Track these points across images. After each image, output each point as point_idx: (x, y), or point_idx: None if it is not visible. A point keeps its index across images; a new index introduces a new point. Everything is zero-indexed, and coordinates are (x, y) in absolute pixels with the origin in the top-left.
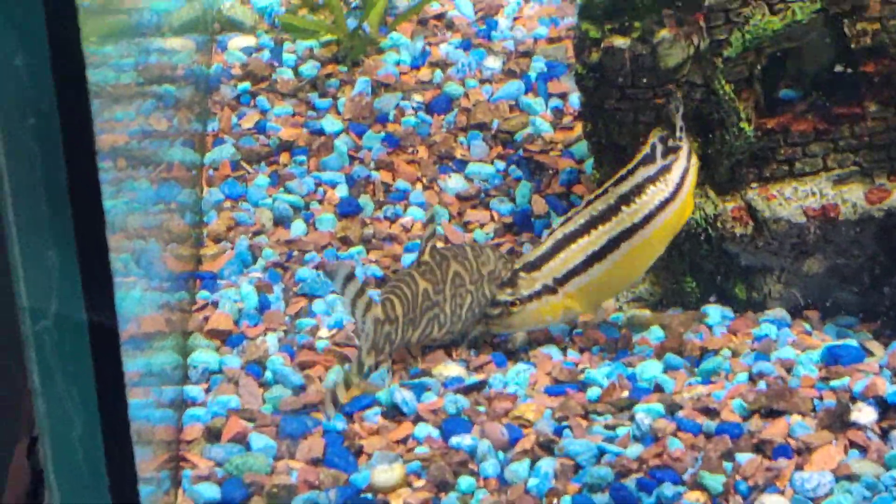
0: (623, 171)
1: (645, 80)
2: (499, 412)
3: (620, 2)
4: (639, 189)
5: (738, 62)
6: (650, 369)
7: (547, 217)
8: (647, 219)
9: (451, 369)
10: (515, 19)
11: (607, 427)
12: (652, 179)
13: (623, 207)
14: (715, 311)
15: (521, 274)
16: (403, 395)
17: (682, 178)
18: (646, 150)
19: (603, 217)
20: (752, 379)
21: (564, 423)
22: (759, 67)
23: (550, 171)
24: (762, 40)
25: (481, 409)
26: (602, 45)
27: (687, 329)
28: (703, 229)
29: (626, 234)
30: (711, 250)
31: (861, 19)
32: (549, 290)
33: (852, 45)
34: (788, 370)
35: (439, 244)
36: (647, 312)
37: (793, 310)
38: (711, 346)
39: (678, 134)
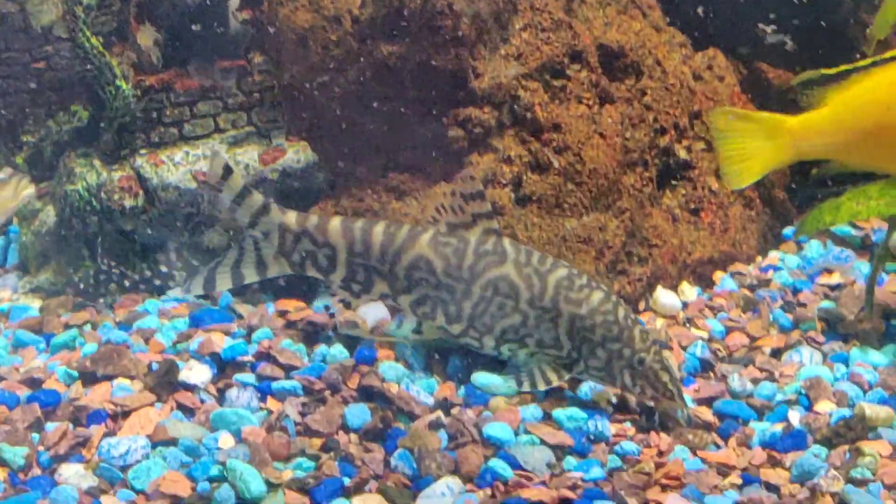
0: None
1: (18, 44)
2: None
3: None
4: None
5: (104, 12)
6: None
7: None
8: None
9: None
10: None
11: None
12: None
13: None
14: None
15: None
16: None
17: None
18: None
19: None
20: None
21: None
22: (129, 16)
23: None
24: None
25: None
26: None
27: (66, 309)
28: (86, 202)
29: None
30: (102, 227)
31: None
32: None
33: None
34: (147, 339)
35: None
36: (36, 302)
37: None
38: (74, 321)
39: None
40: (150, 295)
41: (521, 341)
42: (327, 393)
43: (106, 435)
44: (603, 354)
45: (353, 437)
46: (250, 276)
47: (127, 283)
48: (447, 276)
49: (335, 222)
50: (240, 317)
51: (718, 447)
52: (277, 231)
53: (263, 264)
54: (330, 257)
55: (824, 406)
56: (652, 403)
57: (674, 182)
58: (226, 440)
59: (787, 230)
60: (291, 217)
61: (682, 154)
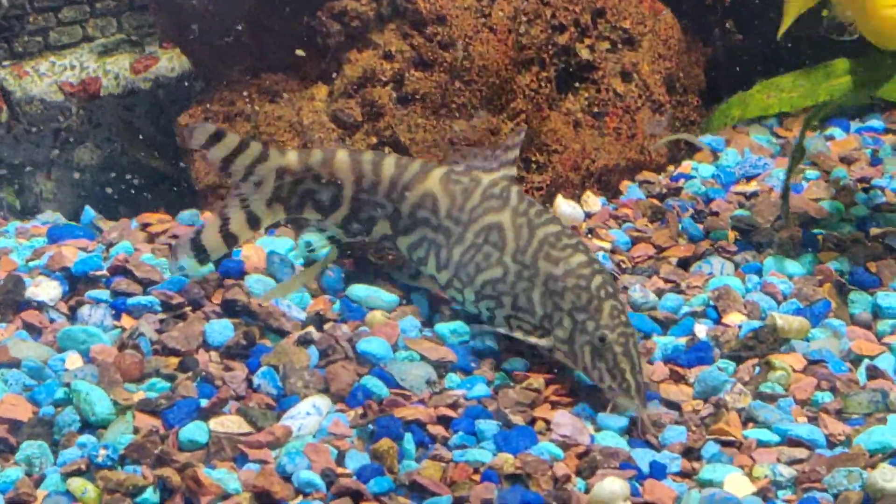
0: None
1: None
2: None
3: None
4: None
5: None
6: None
7: None
8: None
9: None
10: None
11: None
12: None
13: None
14: None
15: None
16: None
17: None
18: None
19: None
20: None
21: None
22: None
23: None
24: None
25: None
26: None
27: None
28: None
29: None
30: None
31: None
32: None
33: None
34: None
35: None
36: None
37: (73, 211)
38: None
39: None
40: (15, 217)
41: (497, 300)
42: (188, 308)
43: None
44: (568, 324)
45: (214, 354)
46: (244, 236)
47: None
48: (448, 218)
49: (342, 155)
50: (99, 231)
51: None
52: (273, 175)
53: (255, 218)
54: (334, 195)
55: (734, 318)
56: (608, 395)
57: (576, 85)
58: (74, 361)
59: (702, 137)
60: (292, 157)
61: (585, 54)
